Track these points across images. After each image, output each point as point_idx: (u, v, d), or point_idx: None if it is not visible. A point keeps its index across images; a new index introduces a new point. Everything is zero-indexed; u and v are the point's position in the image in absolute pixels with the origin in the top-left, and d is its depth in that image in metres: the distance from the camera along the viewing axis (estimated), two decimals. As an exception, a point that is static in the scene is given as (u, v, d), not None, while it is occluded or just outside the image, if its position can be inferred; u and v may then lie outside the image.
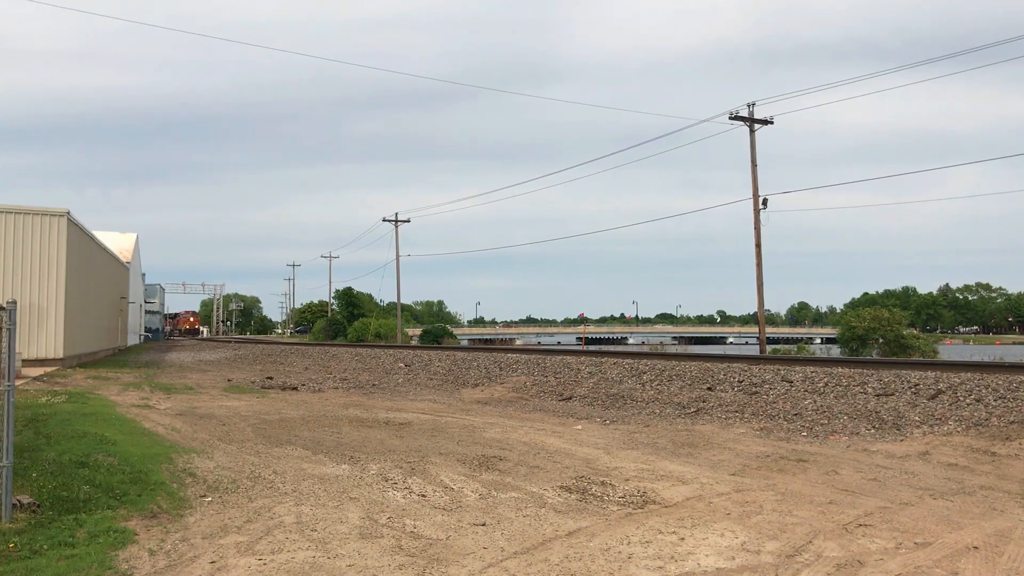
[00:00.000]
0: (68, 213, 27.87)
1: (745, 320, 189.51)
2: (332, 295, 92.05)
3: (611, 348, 52.48)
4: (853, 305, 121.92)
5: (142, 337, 72.17)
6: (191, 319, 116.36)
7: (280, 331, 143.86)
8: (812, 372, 16.29)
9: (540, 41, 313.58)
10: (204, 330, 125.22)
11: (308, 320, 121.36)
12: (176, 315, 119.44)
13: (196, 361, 38.11)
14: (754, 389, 15.75)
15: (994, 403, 12.20)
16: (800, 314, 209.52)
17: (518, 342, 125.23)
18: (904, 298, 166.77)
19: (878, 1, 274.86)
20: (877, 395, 13.78)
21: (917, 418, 12.09)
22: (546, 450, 10.56)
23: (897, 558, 5.67)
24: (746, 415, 13.82)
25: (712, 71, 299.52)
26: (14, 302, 6.65)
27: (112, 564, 5.51)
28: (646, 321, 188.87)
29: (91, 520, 6.53)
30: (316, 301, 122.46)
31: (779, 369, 17.19)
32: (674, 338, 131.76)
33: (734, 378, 16.96)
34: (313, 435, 12.02)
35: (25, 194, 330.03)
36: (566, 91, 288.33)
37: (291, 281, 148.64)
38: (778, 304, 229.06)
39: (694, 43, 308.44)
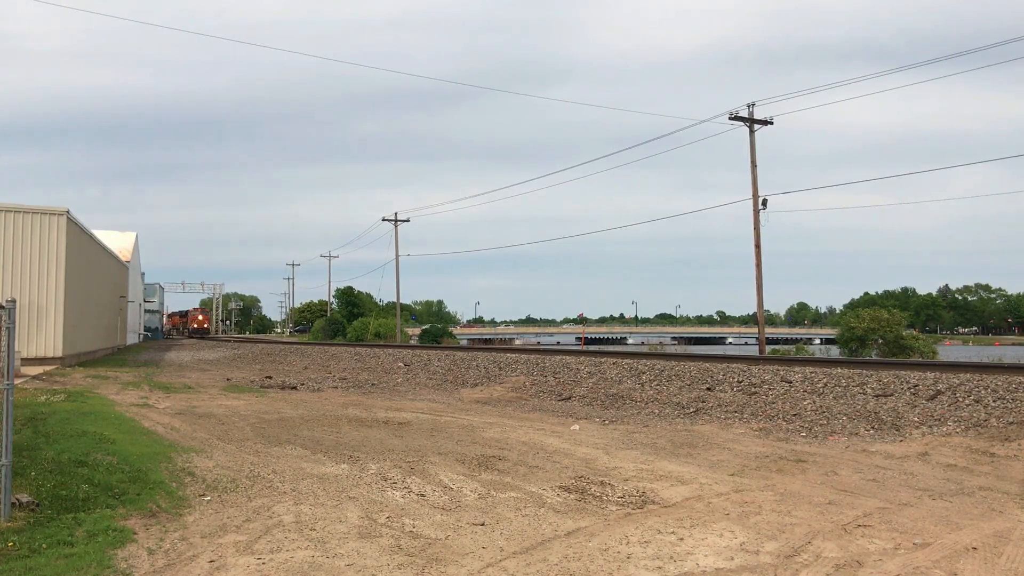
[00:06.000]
0: (68, 212, 27.86)
1: (744, 320, 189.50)
2: (332, 294, 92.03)
3: (610, 348, 52.45)
4: (852, 306, 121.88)
5: (141, 336, 72.14)
6: (200, 317, 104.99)
7: (279, 330, 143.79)
8: (811, 372, 16.29)
9: (543, 42, 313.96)
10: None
11: (307, 319, 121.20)
12: (185, 313, 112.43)
13: (195, 360, 38.09)
14: (753, 389, 15.75)
15: (993, 404, 12.20)
16: (799, 314, 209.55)
17: (517, 342, 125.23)
18: (903, 299, 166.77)
19: (881, 2, 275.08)
20: (876, 396, 13.78)
21: (916, 419, 12.09)
22: (545, 450, 10.56)
23: (896, 559, 5.67)
24: (745, 415, 13.82)
25: (715, 72, 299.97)
26: (13, 301, 6.65)
27: (111, 563, 5.51)
28: (646, 321, 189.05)
29: (90, 519, 6.52)
30: (316, 300, 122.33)
31: (778, 369, 17.18)
32: (673, 338, 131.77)
33: (733, 378, 16.96)
34: (312, 434, 12.02)
35: (26, 193, 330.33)
36: (568, 92, 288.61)
37: (291, 281, 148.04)
38: (778, 304, 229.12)
39: (697, 44, 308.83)
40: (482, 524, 6.67)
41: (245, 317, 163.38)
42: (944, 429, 11.43)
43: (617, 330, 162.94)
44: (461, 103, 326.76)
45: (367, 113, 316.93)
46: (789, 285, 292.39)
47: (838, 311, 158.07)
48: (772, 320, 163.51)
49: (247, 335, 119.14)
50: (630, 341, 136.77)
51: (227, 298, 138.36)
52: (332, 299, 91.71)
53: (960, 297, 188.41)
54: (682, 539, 6.21)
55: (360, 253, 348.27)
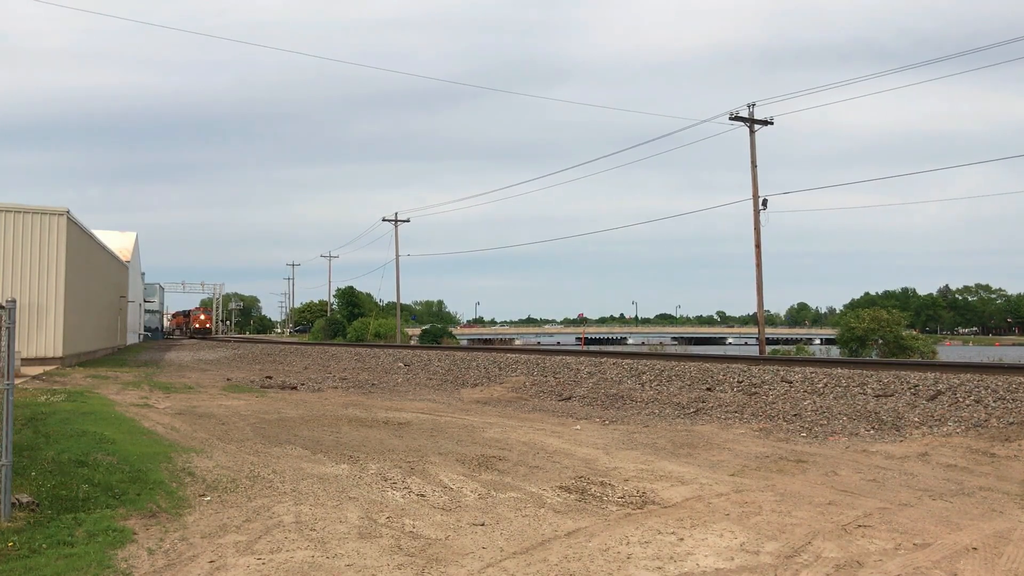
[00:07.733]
0: (68, 212, 27.85)
1: (744, 321, 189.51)
2: (333, 294, 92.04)
3: (611, 348, 52.45)
4: (853, 306, 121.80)
5: (141, 336, 72.12)
6: (202, 317, 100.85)
7: (279, 330, 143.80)
8: (811, 373, 16.29)
9: (543, 42, 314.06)
10: None
11: (307, 320, 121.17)
12: (188, 312, 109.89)
13: (195, 360, 38.09)
14: (753, 390, 15.75)
15: (993, 404, 12.20)
16: (799, 315, 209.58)
17: (517, 342, 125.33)
18: (904, 299, 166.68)
19: (882, 2, 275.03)
20: (876, 396, 13.77)
21: (916, 419, 12.09)
22: (545, 450, 10.56)
23: (896, 559, 5.67)
24: (745, 415, 13.81)
25: (715, 72, 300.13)
26: (13, 301, 6.64)
27: (111, 563, 5.50)
28: (646, 321, 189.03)
29: (90, 519, 6.52)
30: (316, 301, 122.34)
31: (778, 370, 17.18)
32: (674, 338, 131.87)
33: (733, 379, 16.96)
34: (312, 434, 12.02)
35: (27, 193, 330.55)
36: (569, 92, 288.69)
37: (291, 281, 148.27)
38: (778, 305, 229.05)
39: (698, 45, 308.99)
40: (482, 524, 6.66)
41: (245, 317, 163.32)
42: (944, 429, 11.43)
43: (617, 330, 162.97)
44: (461, 103, 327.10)
45: (367, 113, 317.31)
46: (789, 285, 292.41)
47: (838, 311, 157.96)
48: (772, 320, 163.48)
49: (247, 335, 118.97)
50: (630, 341, 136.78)
51: (227, 298, 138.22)
52: (332, 299, 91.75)
53: (960, 297, 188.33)
54: (682, 539, 6.21)
55: (360, 253, 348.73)
